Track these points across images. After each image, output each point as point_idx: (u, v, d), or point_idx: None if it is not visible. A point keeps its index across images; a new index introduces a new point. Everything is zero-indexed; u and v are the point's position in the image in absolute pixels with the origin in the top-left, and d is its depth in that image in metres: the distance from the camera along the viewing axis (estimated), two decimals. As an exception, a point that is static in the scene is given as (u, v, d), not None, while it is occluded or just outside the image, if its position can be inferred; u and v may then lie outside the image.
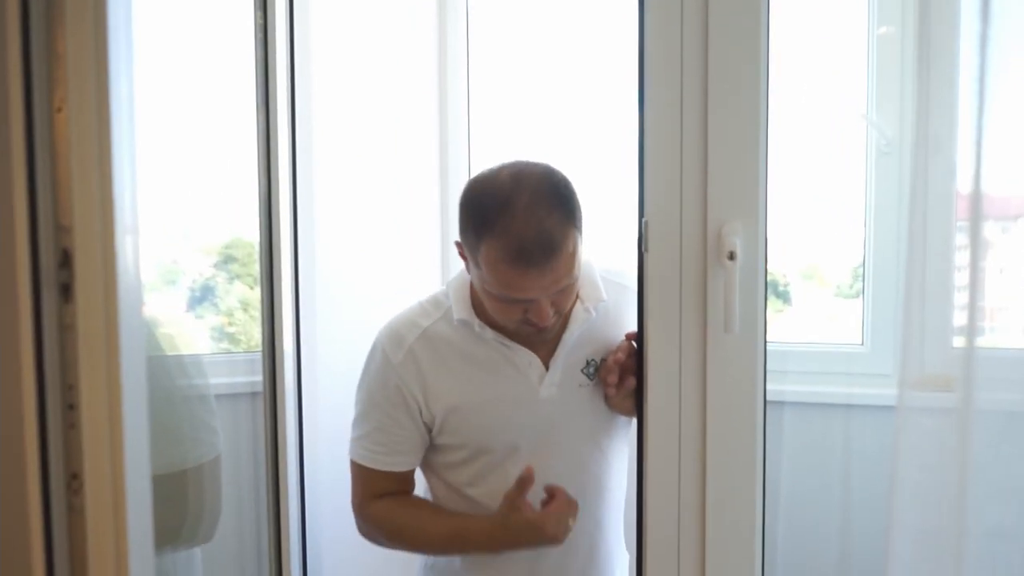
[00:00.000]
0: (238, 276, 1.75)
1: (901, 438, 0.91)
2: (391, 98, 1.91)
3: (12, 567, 0.62)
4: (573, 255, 1.15)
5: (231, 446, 1.27)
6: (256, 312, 1.56)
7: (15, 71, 0.60)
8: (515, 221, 1.11)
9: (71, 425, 0.64)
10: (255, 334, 1.50)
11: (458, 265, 2.13)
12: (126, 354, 0.65)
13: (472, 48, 2.19)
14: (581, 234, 1.18)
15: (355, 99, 1.70)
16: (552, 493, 1.21)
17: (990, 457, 0.80)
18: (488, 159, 2.19)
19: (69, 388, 0.64)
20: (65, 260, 0.63)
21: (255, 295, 1.58)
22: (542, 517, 1.19)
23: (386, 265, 1.86)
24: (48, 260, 0.62)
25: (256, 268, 1.50)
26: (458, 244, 1.23)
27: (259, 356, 1.28)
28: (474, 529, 1.26)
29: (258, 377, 1.26)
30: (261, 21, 1.13)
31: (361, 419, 1.31)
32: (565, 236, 1.13)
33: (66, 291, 0.63)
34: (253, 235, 1.44)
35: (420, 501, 1.35)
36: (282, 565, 1.23)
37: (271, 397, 1.23)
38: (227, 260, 1.76)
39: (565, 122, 2.09)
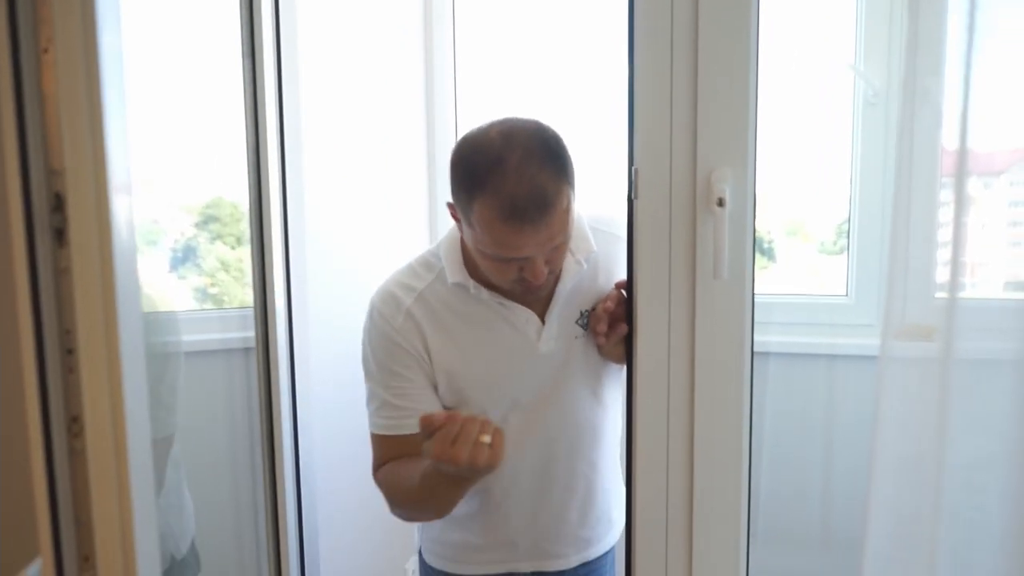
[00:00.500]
0: (219, 236, 1.73)
1: (883, 384, 0.93)
2: (378, 57, 1.88)
3: (17, 510, 0.63)
4: (567, 211, 1.15)
5: (225, 399, 1.28)
6: (237, 272, 1.56)
7: (0, 12, 0.59)
8: (507, 179, 1.09)
9: (70, 369, 0.64)
10: (237, 294, 1.50)
11: (446, 222, 2.16)
12: (122, 297, 0.65)
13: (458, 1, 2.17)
14: (574, 189, 1.18)
15: (342, 57, 1.68)
16: (429, 423, 1.10)
17: (968, 399, 0.82)
18: (475, 109, 2.19)
19: (66, 333, 0.64)
20: (58, 204, 0.62)
21: (236, 255, 1.58)
22: (440, 450, 1.08)
23: (374, 222, 1.86)
24: (41, 204, 0.62)
25: (239, 228, 1.50)
26: (450, 205, 1.22)
27: (251, 312, 1.28)
28: (431, 471, 1.20)
29: (250, 333, 1.26)
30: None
31: (374, 390, 1.30)
32: (558, 192, 1.12)
33: (60, 235, 0.63)
34: (234, 194, 1.42)
35: (408, 460, 1.30)
36: (278, 512, 1.25)
37: (264, 352, 1.24)
38: (207, 220, 1.74)
39: (552, 72, 2.07)
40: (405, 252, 1.34)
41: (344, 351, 1.37)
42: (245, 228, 1.48)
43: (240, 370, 1.33)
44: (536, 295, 1.25)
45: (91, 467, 0.66)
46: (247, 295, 1.48)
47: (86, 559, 0.66)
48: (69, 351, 0.64)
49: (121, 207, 0.65)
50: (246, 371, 1.37)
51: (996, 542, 0.68)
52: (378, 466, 1.31)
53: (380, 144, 1.92)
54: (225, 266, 1.68)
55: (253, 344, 1.27)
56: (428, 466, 1.16)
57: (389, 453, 1.29)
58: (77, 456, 0.65)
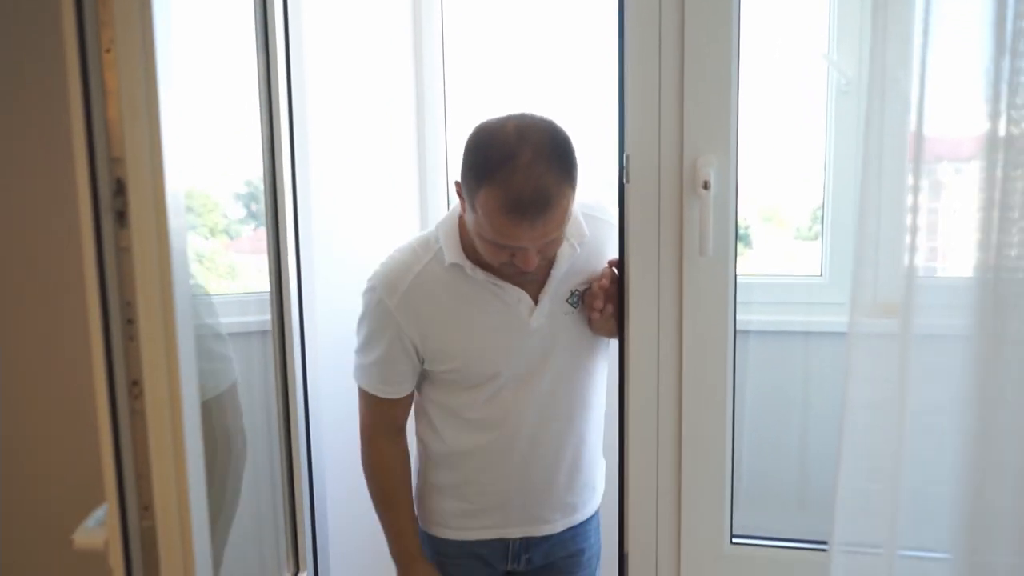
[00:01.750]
0: (193, 228, 1.77)
1: (853, 359, 0.98)
2: (370, 52, 1.95)
3: (88, 462, 0.70)
4: (565, 211, 1.22)
5: (242, 379, 1.35)
6: (211, 264, 1.62)
7: (69, 16, 0.65)
8: (515, 174, 1.16)
9: (130, 338, 0.71)
10: (211, 286, 1.56)
11: (435, 210, 2.23)
12: (177, 273, 0.72)
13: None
14: (575, 190, 1.25)
15: (338, 54, 1.75)
16: None
17: (925, 365, 0.90)
18: (465, 103, 2.24)
19: (127, 304, 0.71)
20: (119, 189, 0.69)
21: (210, 246, 1.63)
22: None
23: (368, 211, 1.93)
24: (105, 189, 0.69)
25: (211, 218, 1.56)
26: (457, 184, 1.29)
27: (250, 298, 1.36)
28: (399, 544, 1.47)
29: (264, 316, 1.33)
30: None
31: (363, 350, 1.40)
32: (560, 194, 1.20)
33: (121, 217, 0.70)
34: (208, 185, 1.48)
35: (406, 477, 1.48)
36: (294, 481, 1.33)
37: (279, 334, 1.31)
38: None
39: (540, 66, 2.14)
40: (396, 240, 1.41)
41: (345, 335, 1.45)
42: (219, 218, 1.55)
43: (258, 352, 1.39)
44: (527, 278, 1.33)
45: (150, 426, 0.73)
46: (223, 285, 1.57)
47: (145, 508, 0.74)
48: (130, 321, 0.71)
49: (174, 191, 0.72)
50: (247, 354, 1.43)
51: (951, 477, 0.77)
52: (369, 426, 1.44)
53: (373, 137, 1.99)
54: (199, 257, 1.72)
55: (267, 328, 1.34)
56: (401, 529, 1.46)
57: (376, 410, 1.43)
58: (137, 416, 0.73)
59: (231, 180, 1.59)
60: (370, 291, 1.38)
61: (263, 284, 1.44)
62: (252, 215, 1.69)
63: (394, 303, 1.34)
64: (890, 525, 0.82)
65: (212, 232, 1.65)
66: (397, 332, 1.35)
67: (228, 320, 1.31)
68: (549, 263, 1.36)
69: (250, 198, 1.66)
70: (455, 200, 1.34)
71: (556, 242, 1.28)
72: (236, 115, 1.37)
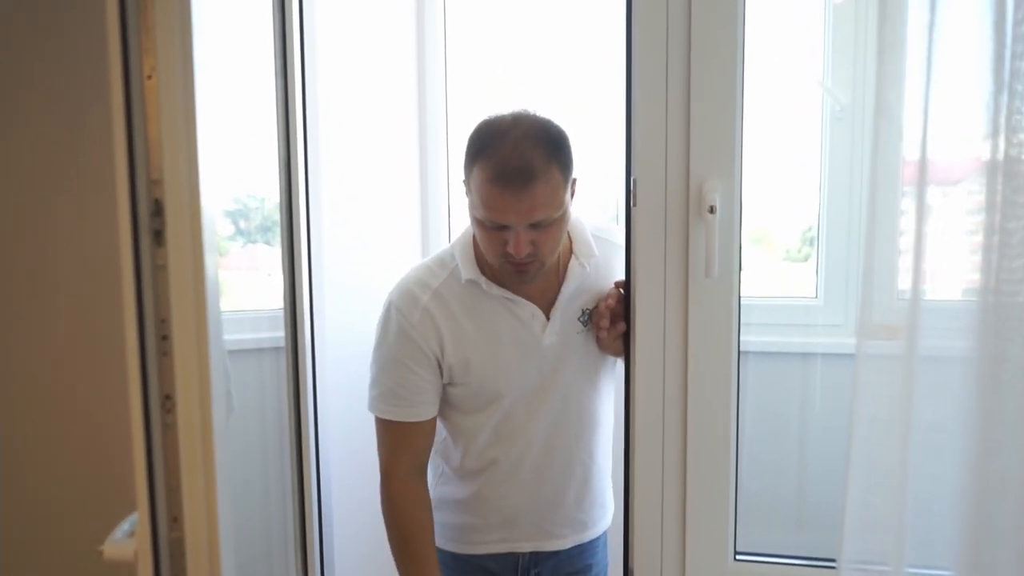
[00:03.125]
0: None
1: (859, 379, 1.01)
2: (371, 73, 1.99)
3: (120, 472, 0.72)
4: (553, 191, 1.25)
5: (256, 394, 1.37)
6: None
7: (115, 45, 0.68)
8: (504, 147, 1.23)
9: (164, 353, 0.74)
10: None
11: (437, 228, 2.26)
12: (210, 292, 0.74)
13: (450, 22, 2.27)
14: (568, 179, 1.29)
15: (341, 73, 1.78)
16: None
17: (928, 387, 0.93)
18: (466, 121, 2.29)
19: (162, 321, 0.73)
20: (157, 209, 0.72)
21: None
22: None
23: (374, 238, 1.96)
24: (144, 209, 0.71)
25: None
26: (465, 183, 1.34)
27: (280, 314, 1.38)
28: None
29: (278, 333, 1.36)
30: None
31: (381, 376, 1.40)
32: (546, 171, 1.24)
33: (159, 236, 0.72)
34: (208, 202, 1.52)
35: (428, 523, 1.42)
36: (304, 497, 1.34)
37: (293, 352, 1.34)
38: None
39: (543, 84, 2.17)
40: (404, 260, 1.44)
41: (355, 352, 1.47)
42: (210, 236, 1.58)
43: (271, 369, 1.41)
44: (525, 279, 1.33)
45: (181, 440, 0.75)
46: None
47: (175, 520, 0.76)
48: (164, 337, 0.74)
49: (209, 212, 0.75)
50: (259, 371, 1.45)
51: (954, 494, 0.80)
52: (390, 460, 1.40)
53: (376, 154, 2.02)
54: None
55: (280, 344, 1.36)
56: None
57: (396, 439, 1.40)
58: (169, 430, 0.75)
59: (227, 197, 1.60)
60: (388, 309, 1.39)
61: (258, 302, 1.47)
62: (240, 232, 1.71)
63: (415, 318, 1.36)
64: (896, 541, 0.85)
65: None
66: (419, 348, 1.37)
67: (235, 337, 1.33)
68: (560, 279, 1.38)
69: (239, 215, 1.69)
70: (457, 216, 1.38)
71: (548, 234, 1.29)
72: (244, 134, 1.40)
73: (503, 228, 1.27)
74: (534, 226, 1.27)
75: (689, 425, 1.23)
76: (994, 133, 0.77)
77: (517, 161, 1.22)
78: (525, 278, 1.33)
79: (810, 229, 2.09)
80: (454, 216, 2.31)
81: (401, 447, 1.40)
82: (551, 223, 1.28)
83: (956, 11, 0.81)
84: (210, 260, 0.75)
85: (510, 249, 1.27)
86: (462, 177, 1.34)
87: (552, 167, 1.25)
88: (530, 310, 1.39)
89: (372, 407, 1.41)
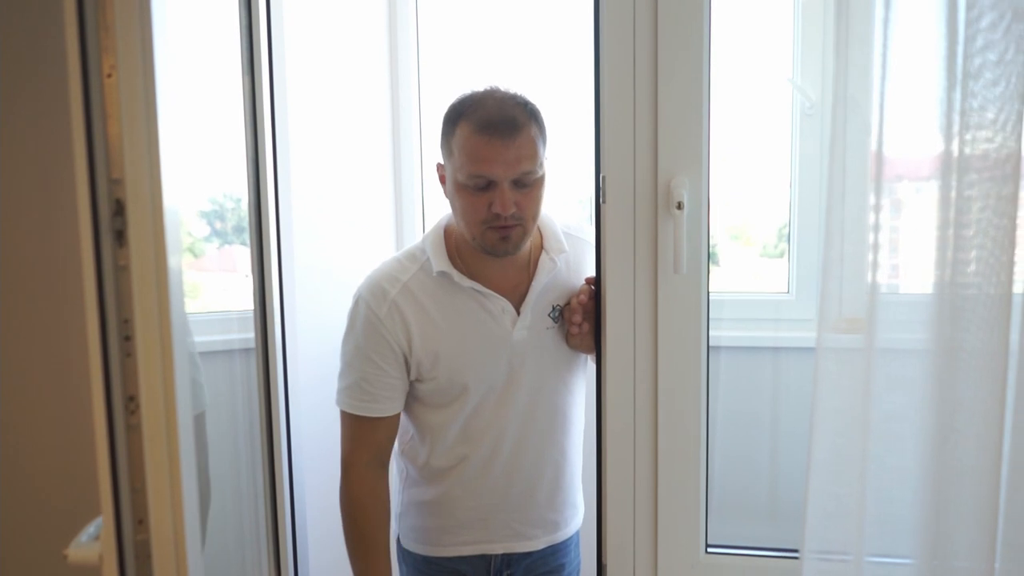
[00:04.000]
0: None
1: (820, 371, 1.02)
2: (344, 72, 1.98)
3: (83, 475, 0.71)
4: (534, 147, 1.29)
5: (228, 395, 1.36)
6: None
7: (73, 43, 0.68)
8: (487, 104, 1.29)
9: (127, 354, 0.73)
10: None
11: (411, 223, 2.26)
12: (174, 292, 0.74)
13: (422, 20, 2.27)
14: (544, 144, 1.33)
15: (312, 73, 1.78)
16: None
17: (888, 378, 0.94)
18: (438, 120, 2.29)
19: (125, 322, 0.73)
20: (119, 209, 0.71)
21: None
22: None
23: (345, 227, 1.95)
24: (104, 209, 0.71)
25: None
26: (439, 166, 1.37)
27: (248, 315, 1.37)
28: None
29: (248, 335, 1.35)
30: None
31: (347, 370, 1.40)
32: (527, 124, 1.29)
33: (120, 236, 0.72)
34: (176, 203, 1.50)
35: (383, 520, 1.43)
36: (276, 499, 1.34)
37: (263, 351, 1.33)
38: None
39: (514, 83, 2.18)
40: (373, 254, 1.44)
41: (327, 350, 1.46)
42: (184, 236, 1.56)
43: (241, 370, 1.40)
44: (508, 246, 1.33)
45: (145, 441, 0.74)
46: (194, 305, 1.56)
47: (140, 521, 0.75)
48: (127, 338, 0.73)
49: (172, 212, 0.74)
50: (233, 372, 1.44)
51: (913, 482, 0.82)
52: (351, 452, 1.41)
53: (349, 153, 2.02)
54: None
55: (249, 346, 1.35)
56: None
57: (358, 433, 1.41)
58: (133, 431, 0.74)
59: (199, 198, 1.59)
60: (356, 303, 1.40)
61: (231, 303, 1.45)
62: (216, 233, 1.70)
63: (383, 312, 1.36)
64: (857, 530, 0.87)
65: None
66: (386, 342, 1.37)
67: (205, 339, 1.32)
68: (531, 274, 1.39)
69: (215, 216, 1.67)
70: (430, 215, 1.39)
71: (529, 196, 1.31)
72: (213, 134, 1.39)
73: (487, 188, 1.28)
74: (518, 184, 1.29)
75: (660, 420, 1.24)
76: (947, 127, 0.79)
77: (501, 114, 1.27)
78: (508, 246, 1.33)
79: (785, 225, 2.11)
80: (427, 214, 2.31)
81: (362, 440, 1.41)
82: (533, 183, 1.31)
83: (910, 7, 0.82)
84: (174, 260, 0.75)
85: (495, 208, 1.28)
86: (439, 163, 1.36)
87: (531, 124, 1.30)
88: (500, 304, 1.39)
89: (337, 400, 1.42)
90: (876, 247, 0.87)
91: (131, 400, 0.74)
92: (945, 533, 0.82)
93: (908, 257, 1.02)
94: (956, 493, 0.80)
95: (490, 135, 1.26)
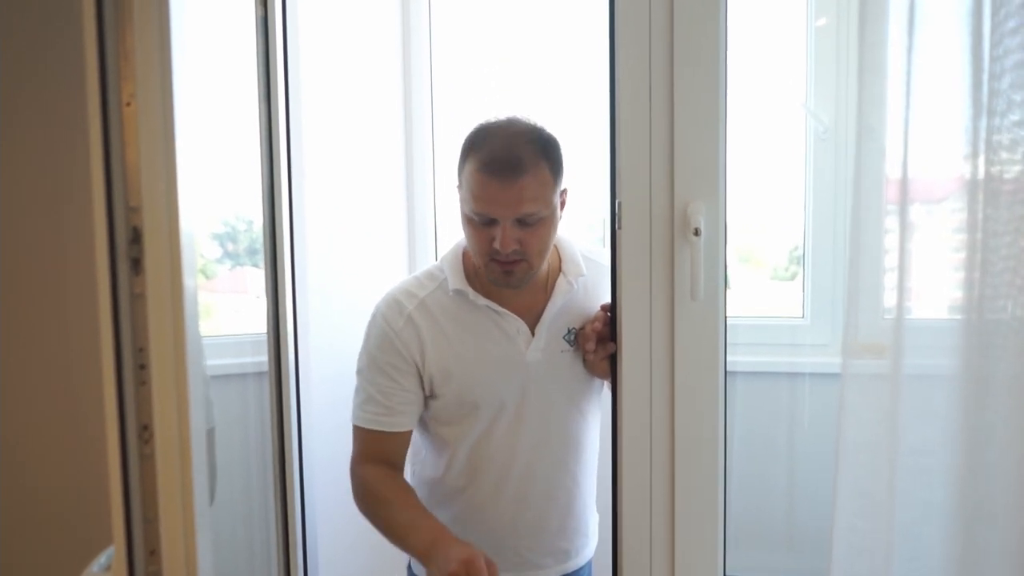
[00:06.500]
0: None
1: (845, 400, 1.01)
2: (360, 105, 2.00)
3: (96, 504, 0.70)
4: (541, 187, 1.27)
5: (241, 419, 1.35)
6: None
7: (92, 71, 0.68)
8: (495, 141, 1.27)
9: (142, 382, 0.72)
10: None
11: (424, 247, 2.26)
12: (189, 320, 0.73)
13: (435, 36, 2.29)
14: (557, 182, 1.31)
15: (324, 94, 1.79)
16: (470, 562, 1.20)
17: (914, 403, 0.92)
18: (451, 142, 2.30)
19: (140, 350, 0.72)
20: (135, 237, 0.71)
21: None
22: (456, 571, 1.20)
23: (361, 262, 1.96)
24: (121, 237, 0.70)
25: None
26: (458, 183, 1.36)
27: (260, 337, 1.36)
28: (415, 537, 1.30)
29: (259, 358, 1.34)
30: (262, 14, 1.21)
31: (363, 386, 1.40)
32: (534, 166, 1.26)
33: (136, 264, 0.71)
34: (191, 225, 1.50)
35: (405, 485, 1.40)
36: (288, 525, 1.32)
37: (276, 377, 1.32)
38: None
39: (526, 99, 2.19)
40: (387, 276, 1.44)
41: (341, 371, 1.45)
42: (196, 258, 1.56)
43: (255, 393, 1.40)
44: (512, 282, 1.33)
45: (159, 470, 0.73)
46: (210, 327, 1.55)
47: (152, 552, 0.74)
48: (142, 366, 0.72)
49: (188, 240, 0.74)
50: (246, 396, 1.44)
51: (942, 516, 0.79)
52: (359, 458, 1.39)
53: (361, 177, 2.02)
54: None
55: (263, 369, 1.35)
56: (413, 524, 1.30)
57: (369, 447, 1.39)
58: (147, 460, 0.73)
59: (212, 220, 1.60)
60: (374, 317, 1.40)
61: (243, 325, 1.45)
62: (228, 255, 1.70)
63: (399, 325, 1.36)
64: (885, 566, 0.84)
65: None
66: (400, 356, 1.36)
67: (217, 363, 1.32)
68: (547, 296, 1.38)
69: (227, 237, 1.68)
70: (443, 237, 1.39)
71: (534, 234, 1.29)
72: (226, 157, 1.40)
73: (491, 224, 1.27)
74: (521, 223, 1.27)
75: (677, 446, 1.22)
76: (974, 154, 0.78)
77: (507, 153, 1.25)
78: (512, 280, 1.33)
79: (796, 248, 2.10)
80: (441, 236, 2.31)
81: (370, 449, 1.39)
82: (538, 222, 1.29)
83: (934, 35, 0.82)
84: (189, 288, 0.74)
85: (496, 245, 1.28)
86: (455, 183, 1.35)
87: (542, 164, 1.27)
88: (516, 324, 1.39)
89: (353, 415, 1.41)
90: (902, 270, 0.86)
91: (145, 429, 0.73)
92: (976, 573, 0.80)
93: (933, 281, 1.00)
94: (985, 530, 0.78)
95: (491, 175, 1.25)
